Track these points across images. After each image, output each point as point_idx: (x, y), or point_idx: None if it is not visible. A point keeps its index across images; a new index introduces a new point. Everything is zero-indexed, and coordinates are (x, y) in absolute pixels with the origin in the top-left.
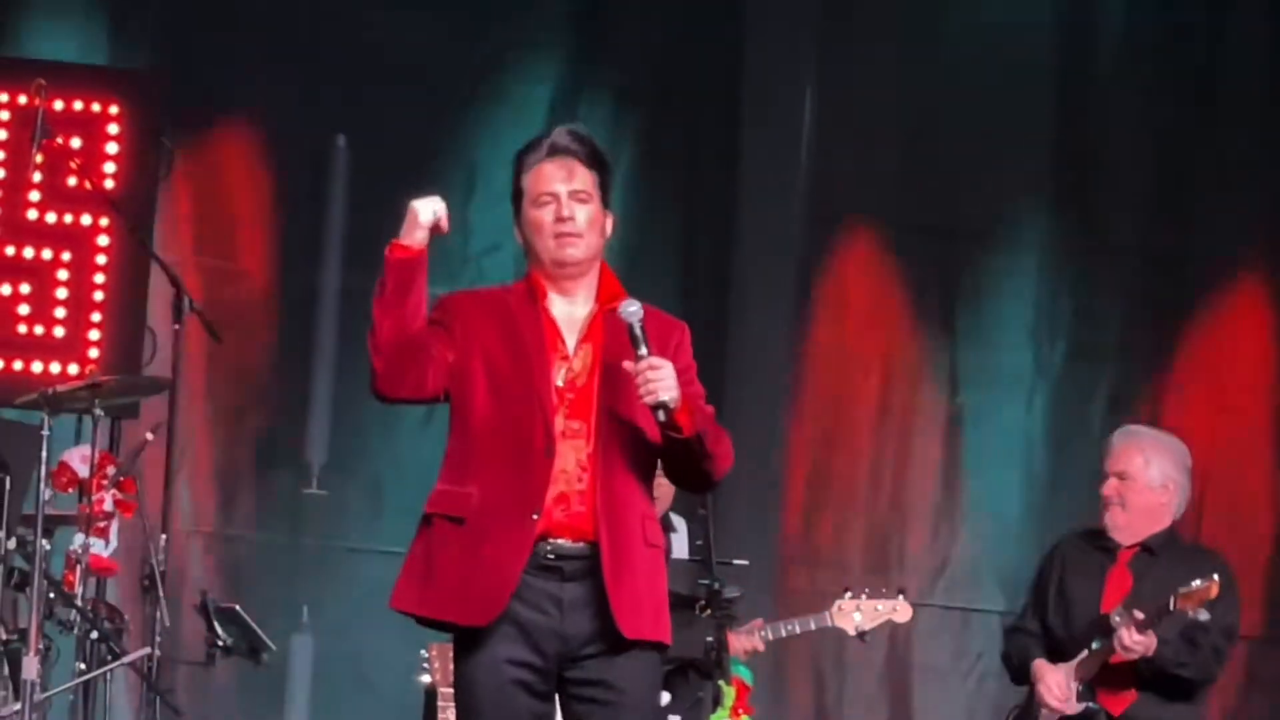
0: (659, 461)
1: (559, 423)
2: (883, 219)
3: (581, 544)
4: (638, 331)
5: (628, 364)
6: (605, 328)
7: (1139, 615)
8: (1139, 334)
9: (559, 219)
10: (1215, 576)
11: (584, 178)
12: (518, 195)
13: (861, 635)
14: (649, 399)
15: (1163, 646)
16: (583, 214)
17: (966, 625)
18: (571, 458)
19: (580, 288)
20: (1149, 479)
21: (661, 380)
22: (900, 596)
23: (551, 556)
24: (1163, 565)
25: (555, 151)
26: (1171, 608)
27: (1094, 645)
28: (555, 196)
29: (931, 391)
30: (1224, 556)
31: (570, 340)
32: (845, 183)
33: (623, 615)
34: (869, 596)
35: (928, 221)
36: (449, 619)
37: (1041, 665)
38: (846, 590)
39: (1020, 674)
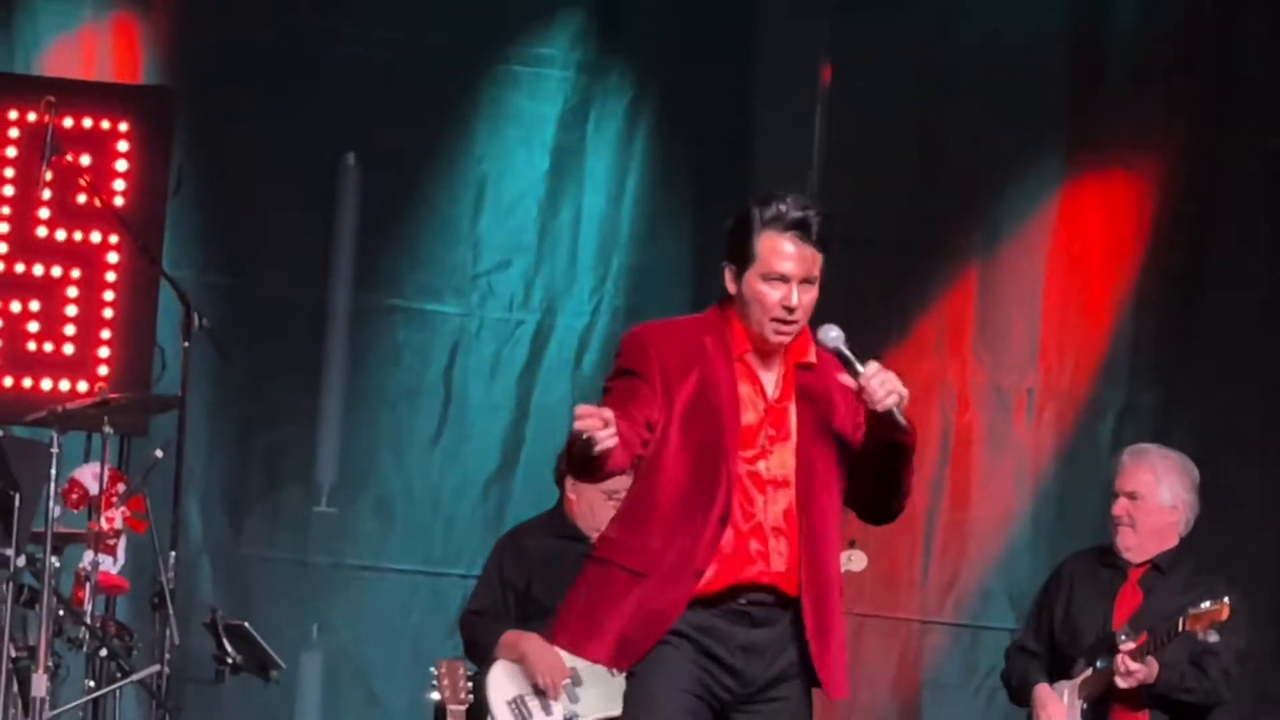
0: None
1: (763, 469)
2: (889, 238)
3: (772, 594)
4: (846, 351)
5: (846, 378)
6: (799, 378)
7: (1129, 645)
8: (1148, 348)
9: (785, 307)
10: (1226, 599)
11: (816, 263)
12: (744, 249)
13: None
14: (889, 400)
15: (1167, 671)
16: (807, 300)
17: (976, 642)
18: (777, 508)
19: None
20: (1160, 499)
21: (892, 380)
22: (853, 545)
23: (743, 603)
24: (1172, 583)
25: (796, 228)
26: (1181, 629)
27: (1099, 664)
28: (787, 281)
29: (939, 408)
30: (1230, 577)
31: (773, 393)
32: (853, 203)
33: (828, 677)
34: None
35: (934, 241)
36: (598, 661)
37: (1043, 691)
38: None
39: (1020, 695)
